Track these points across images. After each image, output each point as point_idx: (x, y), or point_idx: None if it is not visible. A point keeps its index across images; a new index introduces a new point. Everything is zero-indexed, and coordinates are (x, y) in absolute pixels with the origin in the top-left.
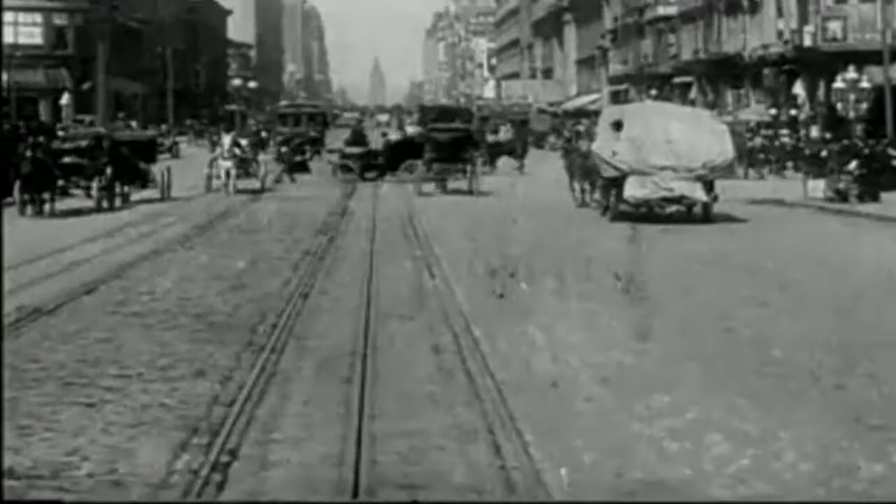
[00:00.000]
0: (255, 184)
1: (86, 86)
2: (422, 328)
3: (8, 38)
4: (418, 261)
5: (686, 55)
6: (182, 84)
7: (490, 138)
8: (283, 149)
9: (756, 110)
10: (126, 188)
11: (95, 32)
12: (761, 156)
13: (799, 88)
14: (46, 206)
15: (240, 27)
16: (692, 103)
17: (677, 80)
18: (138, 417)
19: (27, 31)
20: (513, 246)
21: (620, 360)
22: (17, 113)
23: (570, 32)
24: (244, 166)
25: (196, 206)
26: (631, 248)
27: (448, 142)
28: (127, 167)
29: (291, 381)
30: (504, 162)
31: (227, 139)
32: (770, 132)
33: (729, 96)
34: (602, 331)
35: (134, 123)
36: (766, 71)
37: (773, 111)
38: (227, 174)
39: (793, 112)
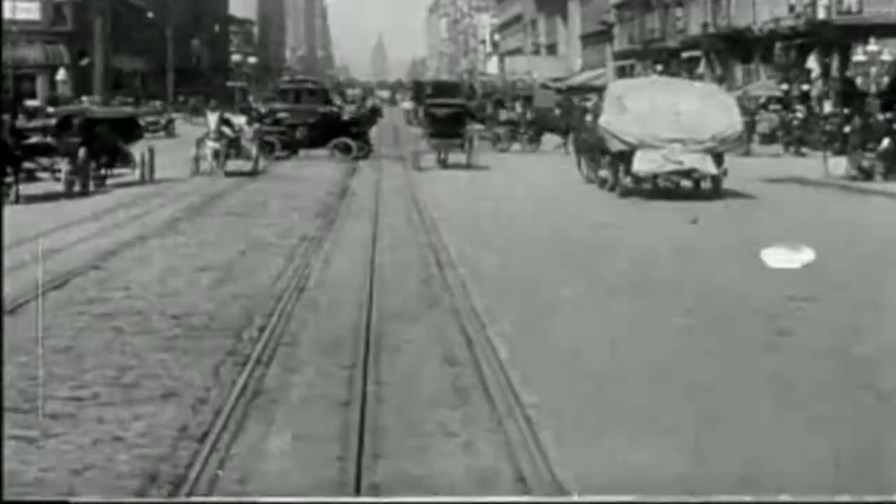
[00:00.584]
0: (246, 166)
1: (84, 62)
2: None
3: (5, 13)
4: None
5: (694, 30)
6: (183, 61)
7: (503, 115)
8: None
9: (766, 85)
10: (104, 171)
11: (94, 8)
12: (779, 132)
13: (812, 63)
14: (12, 191)
15: (241, 3)
16: (700, 78)
17: (685, 54)
18: (83, 458)
19: (24, 7)
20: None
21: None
22: (14, 90)
23: (575, 7)
24: (235, 146)
25: (179, 190)
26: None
27: (445, 117)
28: (103, 147)
29: (278, 405)
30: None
31: (213, 118)
32: (778, 107)
33: (738, 71)
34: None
35: (129, 100)
36: (777, 45)
37: (784, 86)
38: (216, 155)
39: (805, 87)
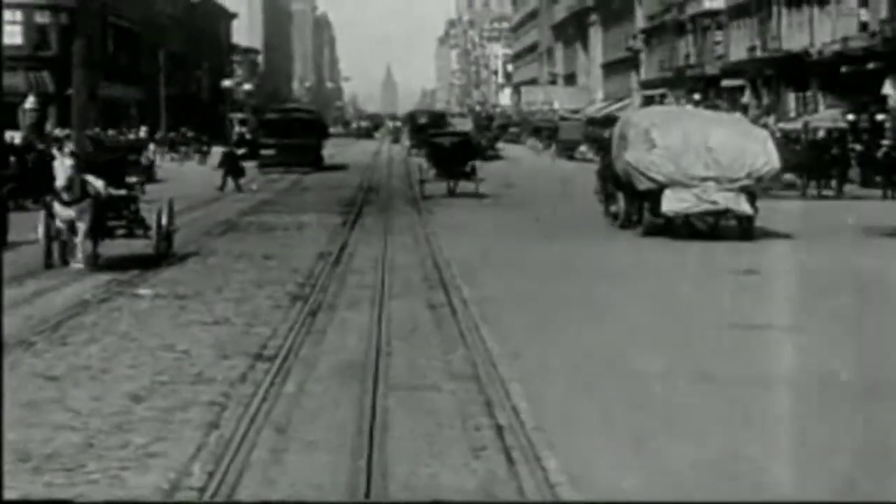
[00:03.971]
0: (147, 247)
1: (70, 91)
2: None
3: None
4: None
5: (736, 55)
6: (182, 90)
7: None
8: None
9: (828, 116)
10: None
11: (83, 32)
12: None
13: (889, 88)
14: None
15: (246, 32)
16: (744, 109)
17: (725, 82)
18: None
19: (6, 31)
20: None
21: None
22: None
23: (596, 34)
24: (115, 211)
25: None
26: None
27: (449, 147)
28: None
29: None
30: None
31: (64, 164)
32: (830, 137)
33: (791, 100)
34: None
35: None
36: (843, 69)
37: (850, 116)
38: (71, 229)
39: (880, 117)
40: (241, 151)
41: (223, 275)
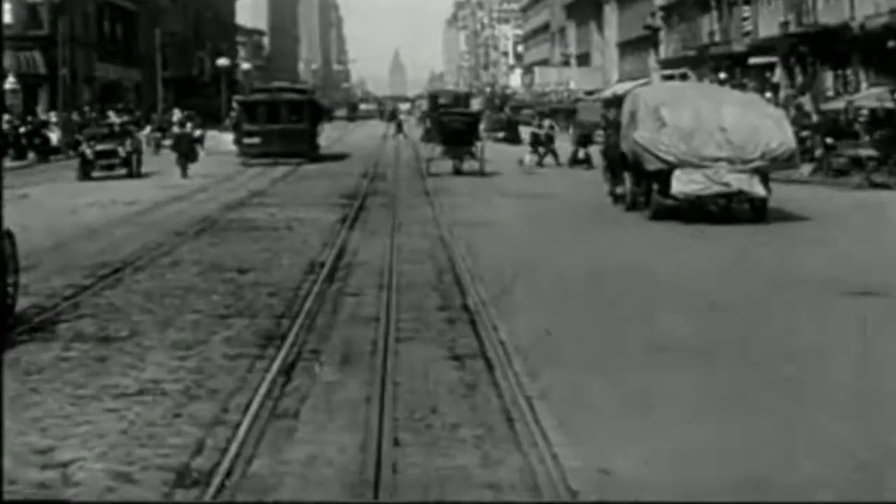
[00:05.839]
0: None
1: (62, 71)
2: None
3: None
4: None
5: (766, 31)
6: (184, 71)
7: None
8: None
9: (873, 95)
10: None
11: (75, 10)
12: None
13: None
14: None
15: (251, 13)
16: (775, 88)
17: (754, 60)
18: None
19: None
20: None
21: None
22: None
23: (612, 13)
24: None
25: None
26: None
27: (458, 126)
28: None
29: None
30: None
31: None
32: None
33: (829, 79)
34: None
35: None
36: (890, 44)
37: None
38: None
39: None
40: (198, 134)
41: (180, 299)
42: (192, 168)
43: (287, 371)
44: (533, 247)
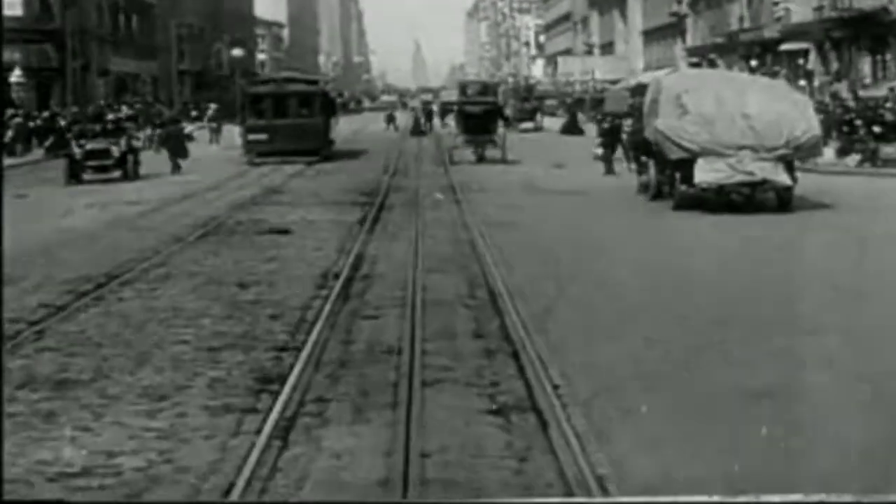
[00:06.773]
0: None
1: (75, 64)
2: None
3: None
4: None
5: (798, 16)
6: (202, 64)
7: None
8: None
9: None
10: None
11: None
12: None
13: None
14: None
15: (271, 5)
16: (808, 75)
17: (786, 46)
18: None
19: (6, 2)
20: None
21: None
22: None
23: (635, 0)
24: None
25: None
26: None
27: (479, 114)
28: None
29: None
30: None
31: None
32: None
33: (867, 65)
34: None
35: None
36: None
37: None
38: None
39: None
40: (188, 129)
41: (161, 325)
42: (193, 166)
43: (283, 434)
44: (559, 243)
